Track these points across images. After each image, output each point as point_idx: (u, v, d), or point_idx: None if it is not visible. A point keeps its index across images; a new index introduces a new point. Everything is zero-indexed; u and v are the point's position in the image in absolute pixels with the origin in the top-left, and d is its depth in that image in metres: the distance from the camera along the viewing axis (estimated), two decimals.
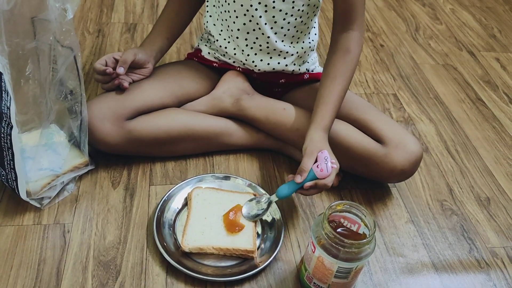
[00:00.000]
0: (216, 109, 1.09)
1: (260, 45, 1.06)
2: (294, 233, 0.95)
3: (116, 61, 0.99)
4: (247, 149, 1.12)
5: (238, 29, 1.04)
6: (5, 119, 0.79)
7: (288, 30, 1.05)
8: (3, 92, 0.77)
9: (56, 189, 0.94)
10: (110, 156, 1.03)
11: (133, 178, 1.02)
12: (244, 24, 1.03)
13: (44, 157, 0.93)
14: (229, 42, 1.08)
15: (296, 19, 1.03)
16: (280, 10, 1.01)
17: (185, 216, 0.93)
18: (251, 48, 1.07)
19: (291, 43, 1.07)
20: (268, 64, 1.08)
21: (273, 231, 0.93)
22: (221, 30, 1.09)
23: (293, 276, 0.88)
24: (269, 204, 0.93)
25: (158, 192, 0.99)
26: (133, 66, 1.01)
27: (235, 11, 1.02)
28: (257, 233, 0.92)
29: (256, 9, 1.00)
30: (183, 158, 1.08)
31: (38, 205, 0.92)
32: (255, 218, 0.92)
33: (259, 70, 1.09)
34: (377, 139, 1.00)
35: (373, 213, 1.02)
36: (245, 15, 1.02)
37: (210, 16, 1.10)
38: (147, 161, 1.06)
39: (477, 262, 0.95)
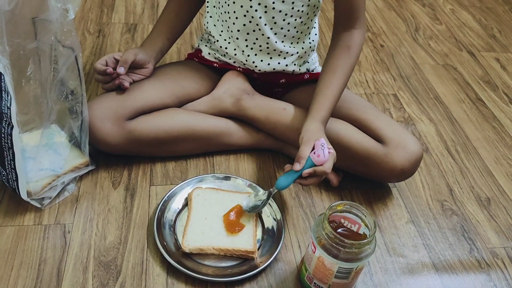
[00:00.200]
0: (216, 109, 1.09)
1: (260, 46, 1.06)
2: (295, 233, 0.95)
3: (117, 61, 0.99)
4: (248, 149, 1.12)
5: (238, 30, 1.04)
6: (5, 119, 0.79)
7: (288, 30, 1.05)
8: (4, 92, 0.77)
9: (57, 189, 0.94)
10: (111, 156, 1.03)
11: (134, 178, 1.02)
12: (244, 24, 1.03)
13: (45, 157, 0.93)
14: (229, 42, 1.08)
15: (296, 19, 1.03)
16: (280, 11, 1.01)
17: (186, 217, 0.93)
18: (251, 48, 1.07)
19: (291, 43, 1.07)
20: (269, 64, 1.08)
21: (273, 232, 0.93)
22: (222, 31, 1.09)
23: (294, 277, 0.88)
24: (269, 195, 0.92)
25: (158, 192, 0.99)
26: (134, 66, 1.01)
27: (235, 12, 1.02)
28: (257, 233, 0.92)
29: (256, 10, 1.00)
30: (184, 158, 1.08)
31: (39, 205, 0.92)
32: (255, 210, 0.92)
33: (259, 70, 1.09)
34: (377, 139, 1.00)
35: (373, 213, 1.02)
36: (245, 16, 1.02)
37: (211, 16, 1.11)
38: (148, 161, 1.06)
39: (478, 263, 0.95)
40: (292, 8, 1.01)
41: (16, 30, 0.79)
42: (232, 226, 0.90)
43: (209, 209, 0.93)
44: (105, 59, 0.99)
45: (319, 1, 1.04)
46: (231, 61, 1.11)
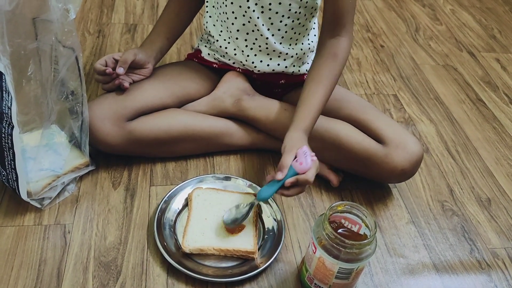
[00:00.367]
0: (216, 110, 1.09)
1: (260, 46, 1.06)
2: (295, 234, 0.95)
3: (116, 61, 0.99)
4: (248, 149, 1.12)
5: (238, 30, 1.04)
6: (6, 119, 0.79)
7: (286, 32, 1.04)
8: (4, 92, 0.77)
9: (57, 190, 0.94)
10: (111, 157, 1.03)
11: (134, 179, 1.02)
12: (243, 24, 1.03)
13: (45, 157, 0.93)
14: (229, 42, 1.08)
15: (293, 21, 1.03)
16: (277, 12, 1.01)
17: (186, 217, 0.93)
18: (251, 49, 1.07)
19: (290, 45, 1.07)
20: (268, 65, 1.08)
21: (273, 232, 0.92)
22: (221, 31, 1.09)
23: (294, 277, 0.88)
24: (250, 208, 0.90)
25: (158, 192, 0.99)
26: (133, 67, 1.01)
27: (233, 12, 1.02)
28: (258, 233, 0.92)
29: (254, 11, 1.00)
30: (184, 159, 1.08)
31: (39, 206, 0.92)
32: (234, 224, 0.89)
33: (258, 71, 1.09)
34: (378, 139, 1.00)
35: (373, 213, 1.02)
36: (243, 15, 1.02)
37: (210, 16, 1.10)
38: (148, 162, 1.06)
39: (478, 263, 0.95)
40: (289, 9, 1.01)
41: (16, 30, 0.79)
42: (241, 223, 0.90)
43: (209, 209, 0.93)
44: (104, 60, 0.99)
45: (316, 3, 1.03)
46: (230, 62, 1.11)
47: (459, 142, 1.26)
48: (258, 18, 1.01)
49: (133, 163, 1.05)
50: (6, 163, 0.84)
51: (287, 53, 1.07)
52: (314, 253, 0.78)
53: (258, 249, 0.89)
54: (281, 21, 1.02)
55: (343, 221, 0.79)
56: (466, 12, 1.94)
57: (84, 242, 0.88)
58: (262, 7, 1.00)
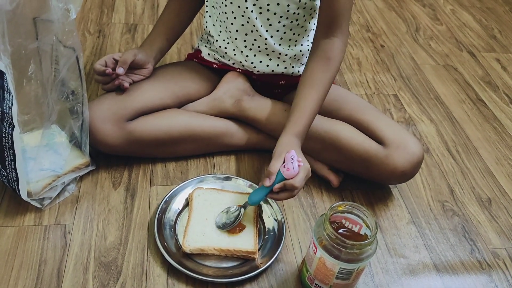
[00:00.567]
0: (216, 110, 1.09)
1: (259, 47, 1.06)
2: (296, 234, 0.95)
3: (116, 61, 0.99)
4: (248, 150, 1.12)
5: (237, 30, 1.04)
6: (7, 119, 0.79)
7: (284, 33, 1.04)
8: (6, 92, 0.77)
9: (57, 190, 0.93)
10: (111, 157, 1.03)
11: (134, 179, 1.02)
12: (242, 25, 1.03)
13: (45, 157, 0.93)
14: (228, 43, 1.08)
15: (291, 22, 1.03)
16: (275, 13, 1.00)
17: (186, 217, 0.93)
18: (250, 49, 1.06)
19: (289, 46, 1.07)
20: (267, 66, 1.08)
21: (274, 232, 0.92)
22: (220, 31, 1.08)
23: (295, 277, 0.88)
24: (240, 212, 0.91)
25: (159, 192, 0.99)
26: (133, 67, 1.01)
27: (232, 12, 1.02)
28: (258, 234, 0.92)
29: (252, 11, 1.00)
30: (184, 159, 1.08)
31: (39, 206, 0.92)
32: (225, 228, 0.90)
33: (258, 71, 1.09)
34: (378, 140, 0.99)
35: (374, 214, 1.02)
36: (242, 16, 1.02)
37: (210, 16, 1.10)
38: (148, 162, 1.05)
39: (479, 263, 0.95)
40: (287, 10, 1.00)
41: (17, 30, 0.79)
42: (233, 227, 0.90)
43: (210, 209, 0.93)
44: (104, 60, 0.99)
45: (315, 4, 1.03)
46: (230, 62, 1.11)
47: (459, 142, 1.26)
48: (256, 18, 1.01)
49: (133, 163, 1.05)
50: (7, 163, 0.84)
51: (286, 54, 1.07)
52: (315, 253, 0.78)
53: (259, 249, 0.89)
54: (279, 22, 1.02)
55: (343, 221, 0.79)
56: (467, 12, 1.94)
57: (84, 242, 0.88)
58: (260, 7, 1.00)
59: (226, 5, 1.02)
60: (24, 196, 0.88)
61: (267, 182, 0.86)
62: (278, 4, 0.99)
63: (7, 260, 0.83)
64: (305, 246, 0.93)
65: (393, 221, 1.01)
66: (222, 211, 0.92)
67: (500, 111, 1.40)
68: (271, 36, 1.04)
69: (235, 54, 1.09)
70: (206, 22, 1.11)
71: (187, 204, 0.96)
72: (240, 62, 1.09)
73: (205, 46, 1.14)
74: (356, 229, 0.79)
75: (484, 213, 1.06)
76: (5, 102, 0.77)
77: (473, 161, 1.20)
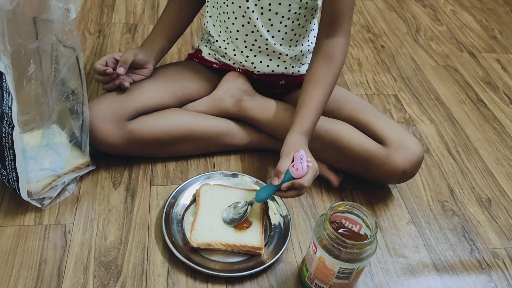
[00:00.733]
0: (217, 110, 1.09)
1: (260, 47, 1.06)
2: (296, 234, 0.95)
3: (117, 61, 0.99)
4: (248, 149, 1.12)
5: (237, 31, 1.04)
6: (6, 119, 0.79)
7: (286, 33, 1.04)
8: (5, 92, 0.77)
9: (57, 190, 0.94)
10: (111, 157, 1.03)
11: (134, 179, 1.02)
12: (243, 25, 1.03)
13: (45, 157, 0.93)
14: (228, 43, 1.08)
15: (293, 22, 1.03)
16: (277, 13, 1.00)
17: (193, 212, 0.93)
18: (251, 49, 1.06)
19: (290, 46, 1.07)
20: (268, 66, 1.08)
21: (280, 228, 0.93)
22: (220, 31, 1.08)
23: (295, 277, 0.88)
24: (247, 208, 0.92)
25: (159, 192, 0.99)
26: (134, 67, 1.01)
27: (233, 12, 1.02)
28: (264, 230, 0.93)
29: (253, 11, 1.00)
30: (184, 159, 1.08)
31: (39, 206, 0.92)
32: (233, 223, 0.91)
33: (258, 71, 1.09)
34: (378, 140, 1.00)
35: (374, 214, 1.02)
36: (243, 16, 1.02)
37: (210, 16, 1.10)
38: (148, 162, 1.06)
39: (478, 263, 0.95)
40: (289, 10, 1.00)
41: (17, 30, 0.79)
42: (240, 222, 0.91)
43: (217, 205, 0.94)
44: (105, 59, 0.99)
45: (317, 4, 1.03)
46: (230, 62, 1.11)
47: (459, 142, 1.26)
48: (257, 19, 1.01)
49: (133, 163, 1.05)
50: (7, 163, 0.84)
51: (287, 54, 1.07)
52: (315, 253, 0.78)
53: (265, 245, 0.90)
54: (281, 22, 1.02)
55: (343, 221, 0.79)
56: (467, 12, 1.94)
57: (84, 242, 0.88)
58: (262, 8, 1.00)
59: (227, 5, 1.02)
60: (24, 196, 0.88)
61: (276, 181, 0.87)
62: (279, 4, 0.99)
63: (7, 260, 0.83)
64: (305, 246, 0.93)
65: (393, 221, 1.01)
66: (230, 206, 0.93)
67: (500, 111, 1.40)
68: (272, 37, 1.04)
69: (235, 55, 1.09)
70: (207, 22, 1.11)
71: (194, 200, 0.96)
72: (240, 62, 1.09)
73: (206, 46, 1.14)
74: (356, 229, 0.79)
75: (484, 213, 1.06)
76: (5, 102, 0.77)
77: (473, 161, 1.20)
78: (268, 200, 0.96)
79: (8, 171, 0.85)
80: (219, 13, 1.06)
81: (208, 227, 0.90)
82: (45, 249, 0.86)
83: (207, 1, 1.10)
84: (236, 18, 1.03)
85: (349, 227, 0.79)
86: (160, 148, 1.03)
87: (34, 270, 0.82)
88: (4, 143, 0.81)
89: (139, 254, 0.87)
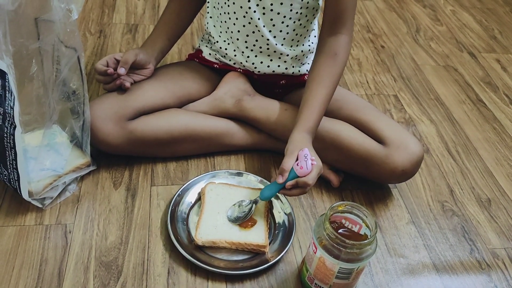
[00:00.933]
0: (217, 110, 1.10)
1: (260, 47, 1.06)
2: (296, 234, 0.95)
3: (117, 61, 0.99)
4: (248, 149, 1.12)
5: (238, 31, 1.04)
6: (8, 119, 0.79)
7: (287, 33, 1.04)
8: (7, 92, 0.77)
9: (58, 190, 0.94)
10: (112, 157, 1.03)
11: (135, 179, 1.02)
12: (244, 26, 1.03)
13: (46, 157, 0.93)
14: (229, 43, 1.08)
15: (294, 22, 1.03)
16: (278, 13, 1.01)
17: (199, 210, 0.94)
18: (251, 50, 1.07)
19: (291, 46, 1.07)
20: (268, 66, 1.08)
21: (284, 227, 0.94)
22: (221, 32, 1.09)
23: (294, 277, 0.88)
24: (252, 206, 0.93)
25: (159, 192, 1.00)
26: (135, 67, 1.01)
27: (234, 12, 1.02)
28: (269, 228, 0.93)
29: (255, 11, 1.00)
30: (185, 159, 1.08)
31: (40, 205, 0.92)
32: (237, 221, 0.92)
33: (258, 72, 1.09)
34: (378, 140, 1.00)
35: (374, 214, 1.02)
36: (244, 17, 1.02)
37: (211, 17, 1.11)
38: (149, 162, 1.06)
39: (478, 263, 0.95)
40: (291, 10, 1.01)
41: (19, 30, 0.79)
42: (245, 221, 0.91)
43: (222, 203, 0.94)
44: (105, 60, 0.99)
45: (318, 4, 1.03)
46: (231, 63, 1.12)
47: (459, 142, 1.26)
48: (259, 19, 1.01)
49: (134, 163, 1.05)
50: (8, 163, 0.84)
51: (288, 55, 1.07)
52: (315, 253, 0.78)
53: (269, 244, 0.90)
54: (282, 22, 1.02)
55: (343, 221, 0.79)
56: (467, 12, 1.95)
57: (85, 242, 0.88)
58: (264, 8, 1.00)
59: (228, 6, 1.03)
60: (25, 195, 0.88)
61: (280, 179, 0.87)
62: (281, 3, 0.99)
63: (8, 260, 0.84)
64: (305, 246, 0.93)
65: (392, 221, 1.02)
66: (234, 204, 0.94)
67: (500, 111, 1.40)
68: (274, 37, 1.04)
69: (235, 55, 1.09)
70: (207, 23, 1.12)
71: (199, 198, 0.97)
72: (241, 62, 1.09)
73: (206, 46, 1.14)
74: (356, 229, 0.79)
75: (484, 213, 1.06)
76: (7, 102, 0.78)
77: (473, 161, 1.21)
78: (273, 199, 0.97)
79: (9, 171, 0.85)
80: (220, 14, 1.06)
81: (213, 225, 0.90)
82: (46, 249, 0.86)
83: (208, 2, 1.10)
84: (237, 19, 1.03)
85: (349, 227, 0.79)
86: (161, 148, 1.04)
87: (35, 270, 0.83)
88: (6, 143, 0.82)
89: (140, 254, 0.87)
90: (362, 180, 1.07)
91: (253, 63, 1.08)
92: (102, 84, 1.01)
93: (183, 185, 0.98)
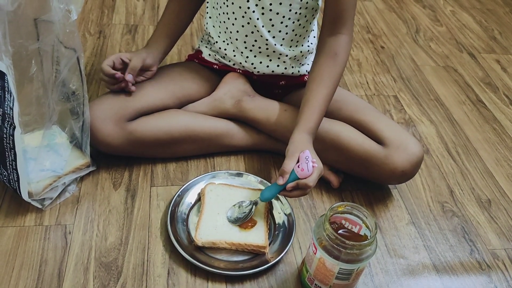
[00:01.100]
0: (217, 111, 1.10)
1: (260, 47, 1.06)
2: (295, 235, 0.95)
3: (123, 62, 0.99)
4: (248, 150, 1.12)
5: (237, 31, 1.04)
6: (8, 119, 0.79)
7: (287, 33, 1.04)
8: (7, 93, 0.77)
9: (58, 190, 0.94)
10: (112, 157, 1.03)
11: (134, 179, 1.02)
12: (243, 26, 1.03)
13: (46, 158, 0.93)
14: (228, 44, 1.08)
15: (294, 22, 1.03)
16: (278, 13, 1.01)
17: (199, 211, 0.94)
18: (250, 50, 1.07)
19: (290, 46, 1.07)
20: (268, 66, 1.08)
21: (284, 227, 0.94)
22: (220, 32, 1.09)
23: (294, 278, 0.88)
24: (252, 207, 0.93)
25: (159, 193, 1.00)
26: (140, 69, 1.01)
27: (233, 13, 1.02)
28: (269, 229, 0.93)
29: (254, 11, 1.00)
30: (184, 159, 1.08)
31: (40, 206, 0.92)
32: (237, 222, 0.92)
33: (258, 72, 1.09)
34: (378, 140, 1.00)
35: (374, 214, 1.02)
36: (243, 17, 1.02)
37: (210, 17, 1.11)
38: (148, 162, 1.06)
39: (478, 264, 0.95)
40: (290, 10, 1.01)
41: (18, 31, 0.79)
42: (245, 221, 0.91)
43: (222, 204, 0.94)
44: (112, 60, 0.98)
45: (317, 4, 1.03)
46: (230, 63, 1.11)
47: (459, 143, 1.26)
48: (258, 19, 1.01)
49: (133, 163, 1.05)
50: (8, 164, 0.84)
51: (287, 55, 1.07)
52: (315, 253, 0.78)
53: (269, 244, 0.90)
54: (281, 22, 1.02)
55: (343, 222, 0.79)
56: (467, 13, 1.95)
57: (84, 242, 0.88)
58: (263, 8, 1.00)
59: (227, 6, 1.03)
60: (25, 196, 0.88)
61: (281, 181, 0.87)
62: (280, 3, 0.99)
63: (7, 261, 0.84)
64: (305, 246, 0.93)
65: (392, 222, 1.01)
66: (234, 205, 0.94)
67: (500, 112, 1.40)
68: (273, 37, 1.04)
69: (235, 55, 1.09)
70: (207, 23, 1.12)
71: (199, 199, 0.97)
72: (240, 63, 1.09)
73: (206, 47, 1.14)
74: (355, 230, 0.79)
75: (484, 214, 1.06)
76: (6, 103, 0.78)
77: (472, 162, 1.21)
78: (273, 199, 0.97)
79: (9, 171, 0.85)
80: (219, 14, 1.06)
81: (213, 226, 0.90)
82: (46, 250, 0.86)
83: (207, 2, 1.10)
84: (236, 19, 1.03)
85: (349, 228, 0.79)
86: (160, 148, 1.03)
87: (35, 270, 0.83)
88: (5, 144, 0.81)
89: (139, 254, 0.87)
90: (362, 181, 1.07)
91: (252, 64, 1.08)
92: (105, 84, 1.00)
93: (183, 185, 0.98)
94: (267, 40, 1.04)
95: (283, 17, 1.01)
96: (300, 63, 1.11)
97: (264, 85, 1.13)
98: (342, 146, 1.00)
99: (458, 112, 1.38)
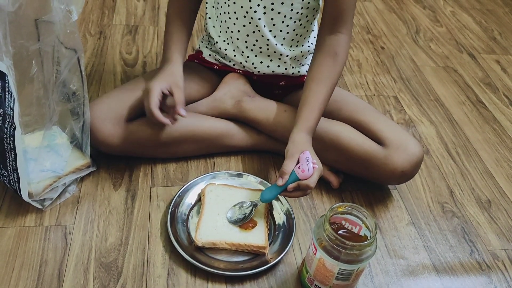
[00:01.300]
0: (217, 111, 1.10)
1: (260, 47, 1.06)
2: (295, 235, 0.95)
3: (163, 94, 0.93)
4: (248, 150, 1.12)
5: (238, 31, 1.05)
6: (8, 120, 0.79)
7: (287, 33, 1.05)
8: (7, 93, 0.77)
9: (58, 191, 0.94)
10: (112, 158, 1.03)
11: (135, 180, 1.02)
12: (244, 26, 1.03)
13: (46, 158, 0.93)
14: (228, 44, 1.09)
15: (295, 22, 1.03)
16: (279, 13, 1.01)
17: (199, 212, 0.94)
18: (251, 50, 1.07)
19: (291, 46, 1.07)
20: (268, 66, 1.08)
21: (284, 228, 0.94)
22: (220, 32, 1.09)
23: (294, 278, 0.88)
24: (252, 209, 0.93)
25: (159, 193, 1.00)
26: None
27: (235, 12, 1.03)
28: (269, 230, 0.93)
29: (255, 11, 1.01)
30: (184, 160, 1.08)
31: (40, 207, 0.92)
32: (238, 223, 0.92)
33: (258, 72, 1.09)
34: (378, 141, 1.00)
35: (374, 215, 1.02)
36: (244, 16, 1.02)
37: (210, 17, 1.11)
38: (148, 163, 1.06)
39: (478, 265, 0.95)
40: (291, 10, 1.01)
41: (19, 31, 0.79)
42: (246, 222, 0.91)
43: (222, 205, 0.95)
44: (157, 100, 0.91)
45: (318, 4, 1.04)
46: (230, 64, 1.12)
47: (459, 143, 1.26)
48: (259, 19, 1.01)
49: (134, 164, 1.05)
50: (8, 164, 0.84)
51: (287, 55, 1.07)
52: (315, 254, 0.78)
53: (269, 245, 0.90)
54: (283, 22, 1.02)
55: (343, 222, 0.79)
56: (466, 13, 1.95)
57: (85, 243, 0.88)
58: (265, 7, 1.00)
59: (228, 5, 1.03)
60: (25, 197, 0.88)
61: (280, 182, 0.87)
62: (282, 3, 0.99)
63: (8, 261, 0.84)
64: (305, 247, 0.93)
65: (392, 222, 1.02)
66: (234, 206, 0.94)
67: (500, 112, 1.40)
68: (274, 36, 1.04)
69: (235, 55, 1.09)
70: (207, 24, 1.12)
71: (199, 199, 0.97)
72: (241, 63, 1.09)
73: (206, 47, 1.15)
74: (355, 230, 0.79)
75: (484, 215, 1.06)
76: (7, 103, 0.78)
77: (472, 162, 1.21)
78: (273, 201, 0.97)
79: (9, 172, 0.85)
80: (220, 13, 1.06)
81: (213, 227, 0.90)
82: (46, 250, 0.86)
83: (207, 2, 1.10)
84: (237, 18, 1.03)
85: (349, 228, 0.79)
86: (160, 149, 1.04)
87: (35, 271, 0.83)
88: (5, 144, 0.82)
89: (139, 255, 0.87)
90: (362, 181, 1.07)
91: (252, 63, 1.08)
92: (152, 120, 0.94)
93: (183, 186, 0.98)
94: (268, 40, 1.04)
95: (285, 16, 1.02)
96: (300, 63, 1.11)
97: (264, 85, 1.13)
98: (342, 146, 1.00)
99: (458, 113, 1.38)
